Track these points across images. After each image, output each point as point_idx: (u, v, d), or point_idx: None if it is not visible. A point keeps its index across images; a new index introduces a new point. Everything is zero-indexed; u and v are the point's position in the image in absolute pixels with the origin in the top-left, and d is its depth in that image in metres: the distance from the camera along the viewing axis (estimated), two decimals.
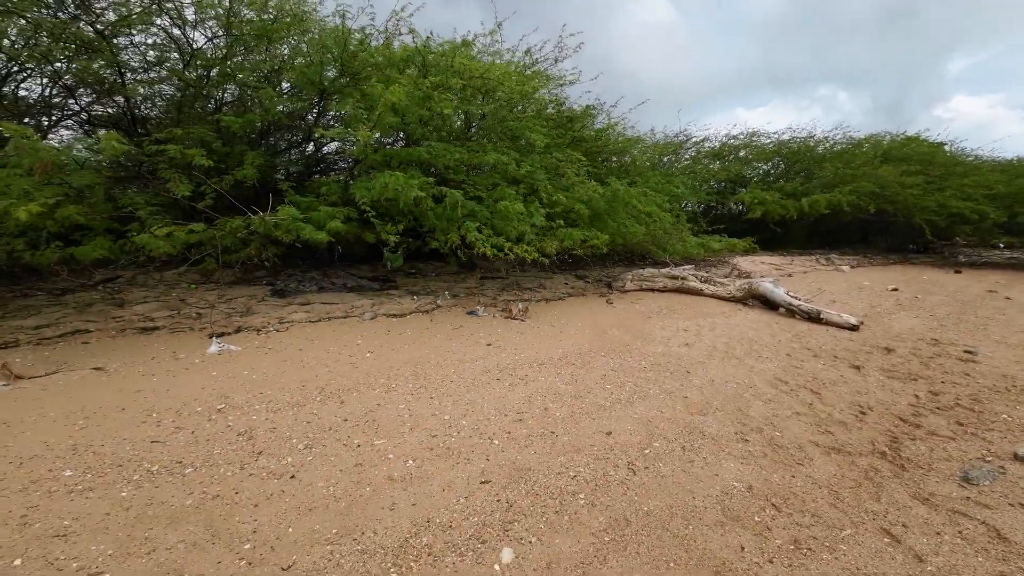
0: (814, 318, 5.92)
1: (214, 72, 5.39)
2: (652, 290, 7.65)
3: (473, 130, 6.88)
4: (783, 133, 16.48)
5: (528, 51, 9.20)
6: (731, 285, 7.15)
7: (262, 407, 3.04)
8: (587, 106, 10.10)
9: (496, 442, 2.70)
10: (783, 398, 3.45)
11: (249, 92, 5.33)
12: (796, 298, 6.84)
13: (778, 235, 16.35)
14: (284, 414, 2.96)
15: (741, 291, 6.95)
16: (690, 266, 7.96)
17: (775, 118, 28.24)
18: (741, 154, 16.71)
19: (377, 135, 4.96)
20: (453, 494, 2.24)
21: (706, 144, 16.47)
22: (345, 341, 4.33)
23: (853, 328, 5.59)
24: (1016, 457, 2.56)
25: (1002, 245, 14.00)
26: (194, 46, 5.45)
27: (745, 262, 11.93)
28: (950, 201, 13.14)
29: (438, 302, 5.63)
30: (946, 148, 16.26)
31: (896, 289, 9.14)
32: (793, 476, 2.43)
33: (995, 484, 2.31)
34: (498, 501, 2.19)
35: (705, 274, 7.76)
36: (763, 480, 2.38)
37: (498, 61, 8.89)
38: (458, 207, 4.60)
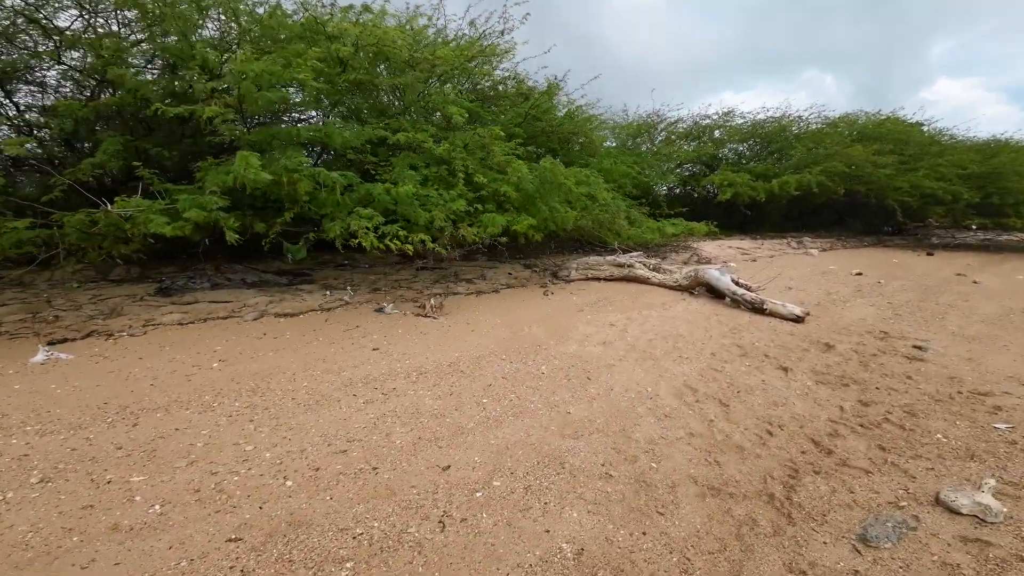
0: (758, 309, 5.30)
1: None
2: (598, 279, 7.00)
3: (399, 106, 6.14)
4: (758, 113, 15.65)
5: (472, 23, 8.45)
6: (678, 273, 6.51)
7: (33, 428, 2.41)
8: (550, 83, 9.37)
9: (289, 483, 2.07)
10: (683, 413, 2.84)
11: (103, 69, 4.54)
12: (743, 286, 6.21)
13: (751, 218, 15.69)
14: (52, 438, 2.33)
15: (687, 279, 6.32)
16: (638, 253, 7.31)
17: (762, 102, 27.21)
18: (716, 135, 15.90)
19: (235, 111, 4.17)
20: (180, 554, 1.63)
21: (679, 125, 15.66)
22: (203, 347, 3.68)
23: (797, 320, 4.97)
24: (938, 501, 1.95)
25: (974, 227, 13.38)
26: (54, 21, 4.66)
27: (711, 247, 11.28)
28: (923, 181, 12.47)
29: (346, 298, 4.97)
30: (923, 128, 15.51)
31: (860, 273, 8.53)
32: (644, 533, 1.82)
33: (899, 546, 1.71)
34: (230, 569, 1.58)
35: (654, 261, 7.12)
36: (603, 540, 1.77)
37: (439, 36, 8.12)
38: (336, 190, 3.91)
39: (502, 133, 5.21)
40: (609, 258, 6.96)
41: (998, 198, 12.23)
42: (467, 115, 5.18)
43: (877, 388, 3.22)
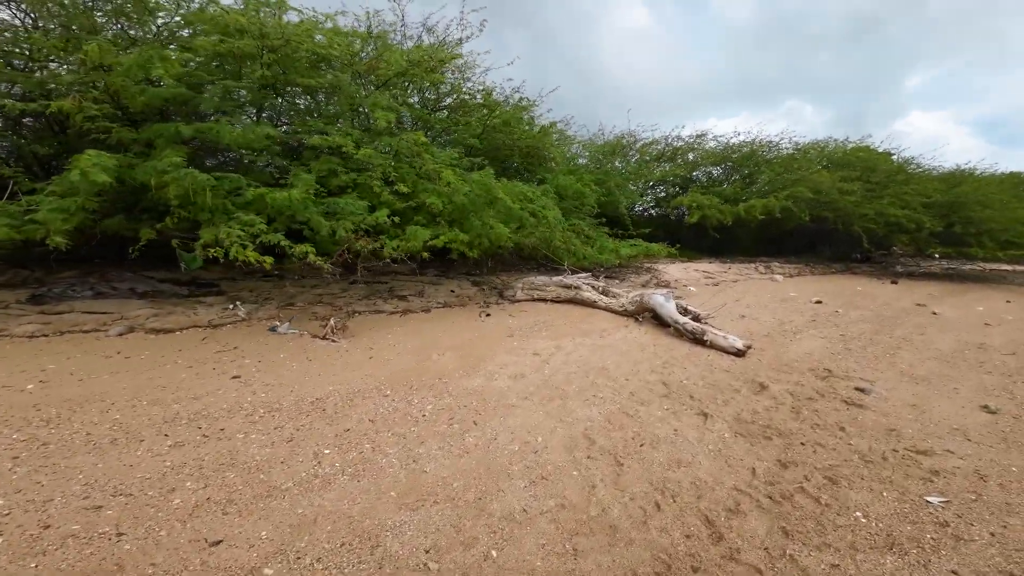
0: (698, 340, 4.84)
1: None
2: (544, 300, 6.52)
3: (334, 111, 5.66)
4: (732, 137, 15.49)
5: (431, 29, 8.07)
6: (624, 298, 6.06)
7: None
8: (521, 99, 9.01)
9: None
10: (565, 474, 2.32)
11: None
12: (690, 314, 5.77)
13: (722, 241, 15.42)
14: None
15: (633, 304, 5.86)
16: (586, 275, 6.86)
17: (735, 127, 27.34)
18: (690, 157, 15.70)
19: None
20: None
21: (654, 147, 15.43)
22: (32, 364, 3.10)
23: (738, 353, 4.51)
24: None
25: (937, 255, 13.21)
26: None
27: (675, 269, 10.91)
28: (888, 209, 12.28)
29: (241, 314, 4.41)
30: (891, 157, 15.46)
31: (820, 302, 8.17)
32: None
33: None
34: None
35: (602, 284, 6.66)
36: None
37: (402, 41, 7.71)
38: (206, 194, 3.39)
39: (425, 139, 4.74)
40: (556, 279, 6.49)
41: (960, 227, 12.07)
42: (393, 120, 4.70)
43: (802, 444, 2.74)
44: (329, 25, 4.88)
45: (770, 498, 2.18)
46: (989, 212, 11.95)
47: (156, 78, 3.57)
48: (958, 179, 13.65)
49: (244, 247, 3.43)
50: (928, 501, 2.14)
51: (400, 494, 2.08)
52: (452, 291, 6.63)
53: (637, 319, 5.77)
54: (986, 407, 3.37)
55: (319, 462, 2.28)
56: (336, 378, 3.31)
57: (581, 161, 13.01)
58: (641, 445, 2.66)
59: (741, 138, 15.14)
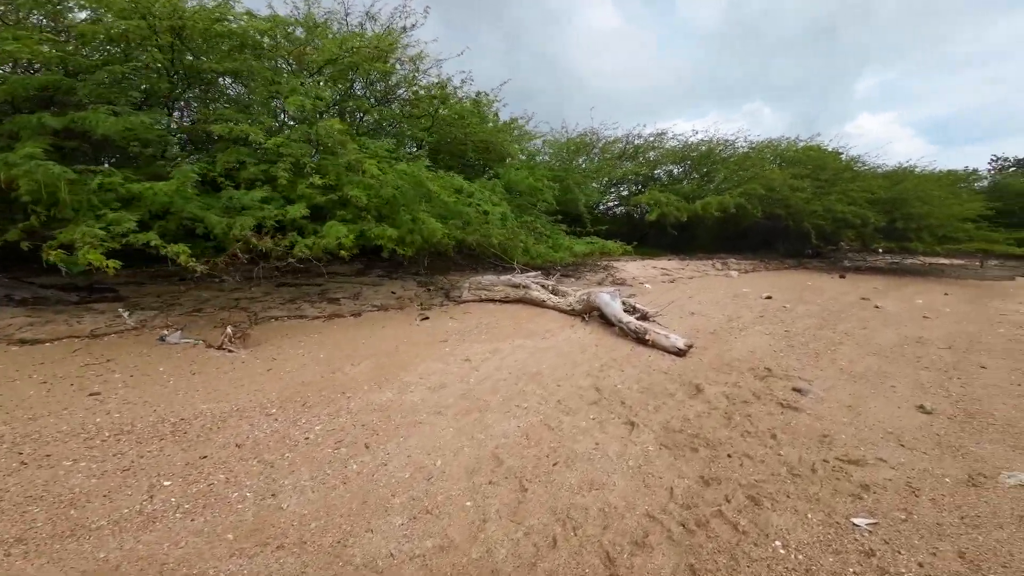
0: (641, 339, 4.59)
1: None
2: (492, 300, 6.17)
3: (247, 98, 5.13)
4: (691, 136, 15.51)
5: (373, 16, 7.59)
6: (572, 297, 5.77)
7: None
8: (479, 93, 8.61)
9: None
10: (457, 505, 1.98)
11: None
12: (638, 312, 5.55)
13: (684, 238, 15.46)
14: None
15: (580, 303, 5.58)
16: (536, 273, 6.56)
17: (693, 127, 27.65)
18: (651, 156, 15.64)
19: None
20: None
21: (617, 145, 15.30)
22: None
23: (679, 353, 4.28)
24: None
25: (880, 250, 13.57)
26: None
27: (633, 267, 10.76)
28: (836, 205, 12.50)
29: (130, 322, 3.88)
30: (840, 155, 15.83)
31: (770, 297, 8.13)
32: None
33: None
34: None
35: (552, 282, 6.36)
36: None
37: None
38: (61, 189, 2.89)
39: (339, 125, 4.30)
40: (504, 278, 6.16)
41: (902, 222, 12.40)
42: (309, 107, 4.24)
43: (730, 456, 2.48)
44: (240, 8, 4.36)
45: (683, 526, 1.89)
46: (928, 208, 12.31)
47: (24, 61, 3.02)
48: (900, 177, 14.06)
49: (100, 247, 2.92)
50: (855, 524, 1.89)
51: (240, 536, 1.69)
52: (393, 292, 6.21)
53: (584, 318, 5.50)
54: (922, 407, 3.21)
55: (151, 496, 1.86)
56: (216, 395, 2.87)
57: (544, 158, 12.73)
58: (554, 464, 2.34)
59: (699, 137, 15.21)
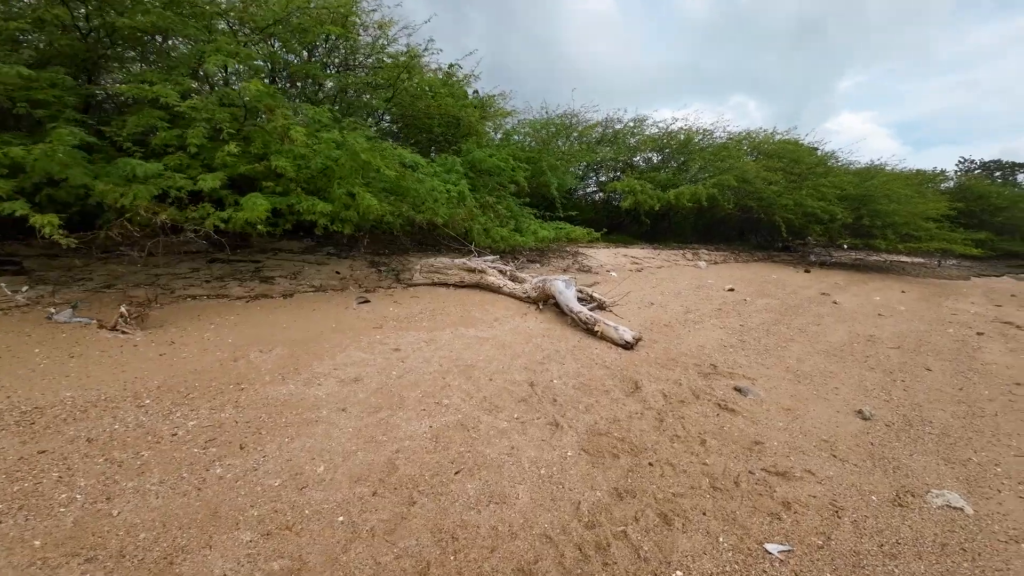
0: (590, 330, 4.36)
1: None
2: (445, 285, 5.86)
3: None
4: (671, 123, 15.17)
5: None
6: (528, 283, 5.50)
7: None
8: (452, 66, 8.11)
9: None
10: (325, 520, 1.70)
11: None
12: (595, 301, 5.32)
13: (661, 227, 15.32)
14: None
15: (536, 291, 5.32)
16: (493, 257, 6.26)
17: (683, 116, 27.28)
18: (631, 141, 15.28)
19: None
20: None
21: (597, 130, 14.89)
22: None
23: (626, 346, 4.07)
24: None
25: (845, 246, 13.69)
26: None
27: (604, 254, 10.54)
28: (806, 200, 12.48)
29: (20, 298, 3.44)
30: (816, 151, 15.80)
31: (732, 289, 8.02)
32: None
33: None
34: None
35: (511, 267, 6.06)
36: None
37: None
38: None
39: (262, 86, 3.85)
40: (459, 261, 5.82)
41: (868, 219, 12.49)
42: (231, 66, 3.78)
43: (651, 464, 2.27)
44: None
45: (580, 549, 1.66)
46: (894, 206, 12.40)
47: None
48: (870, 174, 14.13)
49: None
50: (767, 551, 1.70)
51: (49, 544, 1.40)
52: (338, 272, 5.82)
53: (539, 306, 5.24)
54: (860, 412, 3.07)
55: None
56: (88, 381, 2.51)
57: (520, 139, 12.26)
58: (457, 472, 2.08)
59: (679, 124, 14.92)
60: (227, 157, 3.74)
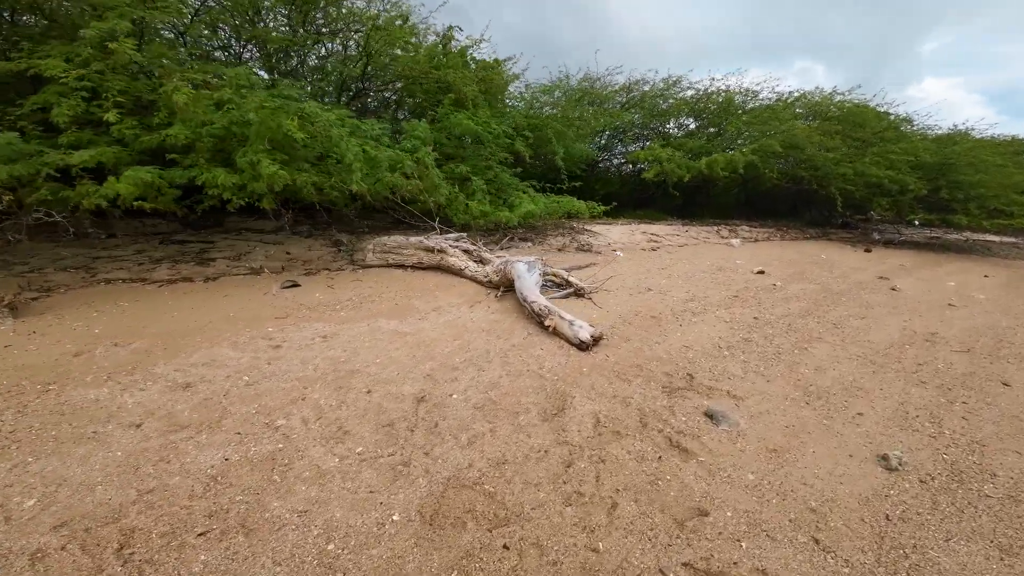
0: (542, 324, 3.54)
1: None
2: (402, 266, 5.17)
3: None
4: (708, 84, 13.39)
5: None
6: (489, 267, 4.70)
7: None
8: (449, 27, 7.34)
9: None
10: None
11: None
12: (571, 286, 4.47)
13: (696, 202, 13.86)
14: None
15: (497, 274, 4.52)
16: (457, 234, 5.45)
17: (721, 76, 24.47)
18: (663, 105, 13.74)
19: None
20: None
21: (619, 96, 13.50)
22: None
23: (581, 346, 3.21)
24: None
25: (917, 222, 11.66)
26: None
27: (617, 231, 9.45)
28: (869, 169, 10.64)
29: None
30: (889, 115, 13.51)
31: (762, 272, 6.82)
32: None
33: None
34: None
35: (477, 247, 5.26)
36: None
37: None
38: None
39: (131, 48, 3.23)
40: (415, 239, 5.10)
41: (947, 192, 10.48)
42: (123, 29, 3.19)
43: (507, 547, 1.48)
44: None
45: None
46: (981, 176, 10.32)
47: None
48: (952, 140, 11.89)
49: None
50: None
51: None
52: (288, 253, 5.27)
53: (499, 292, 4.46)
54: (885, 458, 2.09)
55: None
56: None
57: (521, 106, 11.19)
58: (202, 534, 1.40)
59: (718, 85, 13.18)
60: (126, 130, 3.20)
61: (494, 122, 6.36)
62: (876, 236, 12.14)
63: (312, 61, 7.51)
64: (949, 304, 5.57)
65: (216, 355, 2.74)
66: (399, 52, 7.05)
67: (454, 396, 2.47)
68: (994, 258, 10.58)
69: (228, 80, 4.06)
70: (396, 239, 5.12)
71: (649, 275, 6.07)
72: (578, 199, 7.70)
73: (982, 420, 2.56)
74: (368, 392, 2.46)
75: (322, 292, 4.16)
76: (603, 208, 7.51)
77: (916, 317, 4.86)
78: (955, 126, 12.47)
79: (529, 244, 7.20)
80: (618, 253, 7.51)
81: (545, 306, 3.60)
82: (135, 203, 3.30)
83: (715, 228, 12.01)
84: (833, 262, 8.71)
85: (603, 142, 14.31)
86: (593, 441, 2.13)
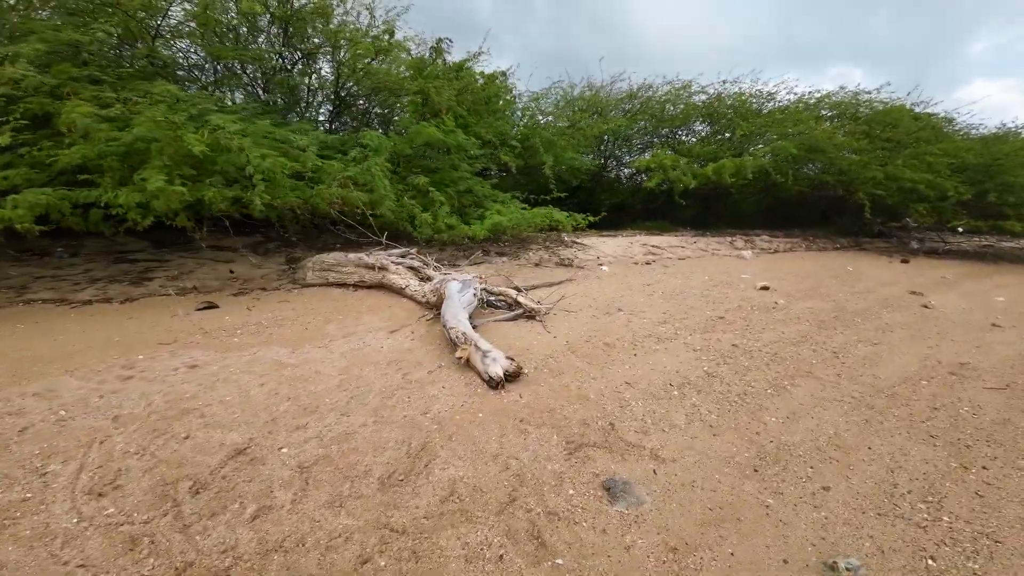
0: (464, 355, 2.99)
1: None
2: (344, 285, 4.75)
3: None
4: (721, 86, 12.56)
5: None
6: (428, 285, 4.20)
7: None
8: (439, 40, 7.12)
9: None
10: None
11: None
12: (518, 307, 3.93)
13: (711, 211, 12.97)
14: None
15: (435, 294, 4.03)
16: (401, 249, 4.98)
17: (733, 78, 23.01)
18: (672, 111, 13.04)
19: None
20: None
21: (626, 103, 12.92)
22: None
23: (491, 383, 2.65)
24: None
25: (960, 229, 10.37)
26: None
27: (612, 244, 8.79)
28: (902, 172, 9.58)
29: None
30: (931, 116, 12.25)
31: (766, 288, 6.03)
32: None
33: None
34: None
35: (420, 261, 4.79)
36: None
37: None
38: None
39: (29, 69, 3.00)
40: (354, 256, 4.69)
41: (996, 195, 9.25)
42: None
43: None
44: None
45: None
46: None
47: None
48: (1001, 139, 10.62)
49: None
50: None
51: None
52: (232, 272, 4.97)
53: (435, 313, 3.96)
54: (833, 569, 1.43)
55: None
56: None
57: (538, 117, 10.74)
58: None
59: (730, 88, 12.36)
60: (36, 152, 2.99)
61: (461, 132, 5.93)
62: (915, 245, 10.93)
63: (295, 81, 7.39)
64: (992, 325, 4.66)
65: (56, 385, 2.37)
66: (373, 64, 6.81)
67: (283, 450, 1.97)
68: None
69: (149, 98, 3.83)
70: (335, 256, 4.72)
71: (629, 293, 5.43)
72: (579, 211, 7.16)
73: (1004, 498, 1.83)
74: (186, 438, 2.00)
75: (235, 315, 3.78)
76: (587, 220, 6.91)
77: (945, 342, 4.03)
78: (1003, 124, 11.15)
79: (505, 259, 6.69)
80: (604, 268, 6.88)
81: (463, 333, 3.07)
82: (38, 226, 3.03)
83: (729, 239, 11.13)
84: (860, 275, 7.76)
85: (607, 150, 13.71)
86: (425, 524, 1.58)
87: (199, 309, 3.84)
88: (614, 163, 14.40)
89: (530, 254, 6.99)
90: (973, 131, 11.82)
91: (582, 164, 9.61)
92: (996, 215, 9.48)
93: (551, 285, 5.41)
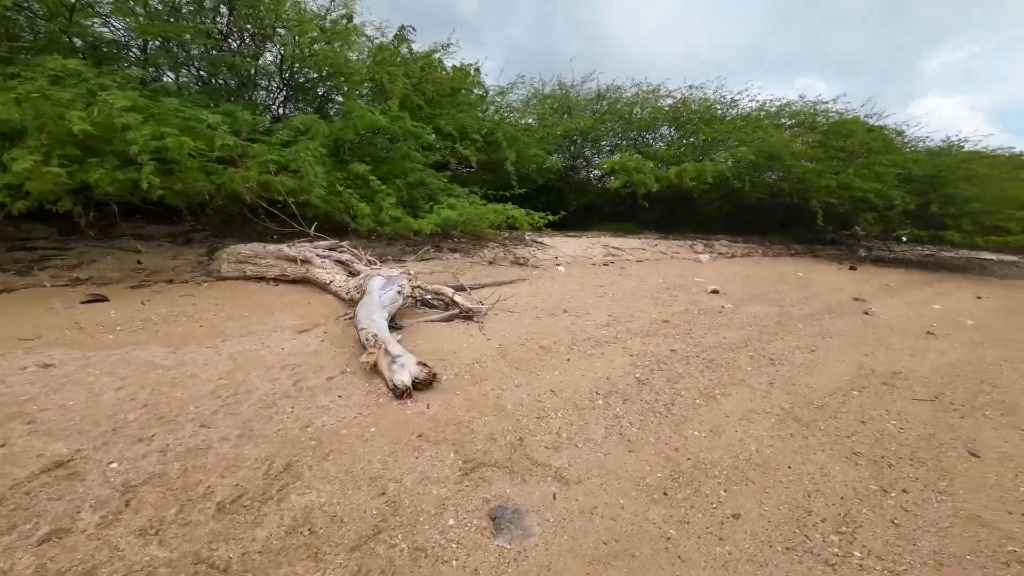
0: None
1: None
2: (263, 279, 4.36)
3: None
4: (690, 90, 12.60)
5: None
6: (351, 281, 3.88)
7: None
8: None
9: None
10: None
11: None
12: (453, 307, 3.66)
13: (675, 215, 13.03)
14: None
15: (358, 290, 3.70)
16: (331, 241, 4.63)
17: (699, 84, 23.48)
18: (640, 114, 13.03)
19: None
20: None
21: (595, 105, 12.84)
22: None
23: (397, 392, 2.37)
24: None
25: (904, 238, 10.76)
26: None
27: (573, 244, 8.62)
28: (853, 181, 9.83)
29: None
30: (883, 128, 12.67)
31: (716, 292, 5.97)
32: None
33: None
34: None
35: (351, 255, 4.44)
36: None
37: None
38: None
39: None
40: (273, 248, 4.30)
41: (938, 206, 9.63)
42: None
43: None
44: None
45: None
46: (975, 191, 9.49)
47: None
48: (944, 152, 11.08)
49: None
50: None
51: None
52: (140, 263, 4.48)
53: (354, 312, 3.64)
54: None
55: None
56: None
57: (503, 112, 10.43)
58: None
59: (696, 94, 12.44)
60: None
61: (407, 119, 5.60)
62: (863, 253, 11.28)
63: (236, 62, 6.84)
64: (928, 332, 4.72)
65: None
66: (325, 48, 6.36)
67: (113, 465, 1.65)
68: (990, 277, 9.69)
69: (38, 73, 3.34)
70: (252, 247, 4.32)
71: (580, 294, 5.24)
72: (549, 210, 6.92)
73: (920, 527, 1.70)
74: (1, 446, 1.65)
75: (123, 309, 3.35)
76: (545, 219, 6.71)
77: (881, 350, 4.01)
78: (948, 138, 11.63)
79: (458, 256, 6.40)
80: (560, 268, 6.69)
81: (374, 335, 2.77)
82: None
83: (690, 243, 11.19)
84: (809, 281, 7.88)
85: (576, 151, 13.60)
86: (256, 561, 1.30)
87: (84, 302, 3.39)
88: (583, 163, 14.31)
89: (485, 252, 6.72)
90: (921, 144, 12.30)
91: (547, 162, 9.40)
92: (938, 225, 9.86)
93: (501, 284, 5.16)
